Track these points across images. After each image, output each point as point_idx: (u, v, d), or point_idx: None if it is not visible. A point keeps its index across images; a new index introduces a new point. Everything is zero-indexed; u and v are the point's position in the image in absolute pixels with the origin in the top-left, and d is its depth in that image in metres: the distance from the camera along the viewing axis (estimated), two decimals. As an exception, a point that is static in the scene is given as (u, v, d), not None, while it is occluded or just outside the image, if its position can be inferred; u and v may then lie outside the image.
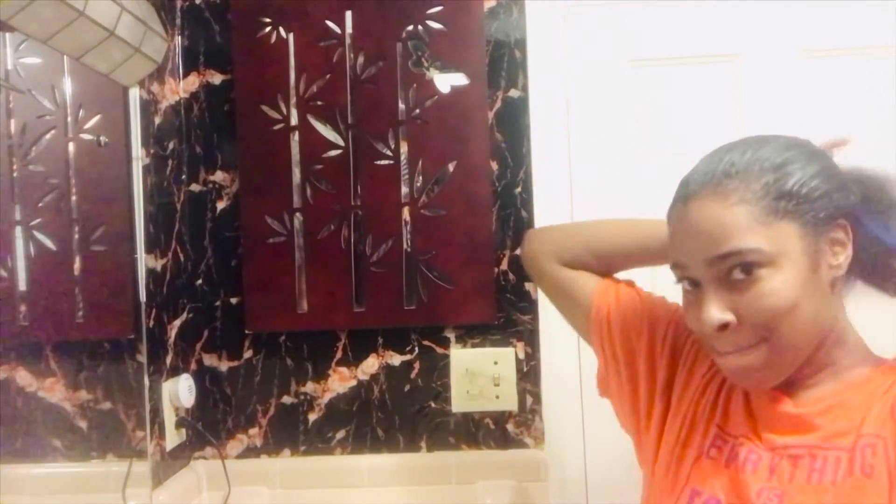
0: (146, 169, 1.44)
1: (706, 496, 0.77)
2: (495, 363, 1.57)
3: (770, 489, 0.74)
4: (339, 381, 1.60)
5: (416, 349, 1.59)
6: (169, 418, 1.48)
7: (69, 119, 1.21)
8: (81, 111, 1.24)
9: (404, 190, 1.58)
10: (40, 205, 1.13)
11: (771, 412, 0.78)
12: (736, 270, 0.72)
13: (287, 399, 1.61)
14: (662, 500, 0.82)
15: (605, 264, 1.01)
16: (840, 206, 0.74)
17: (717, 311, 0.73)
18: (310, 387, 1.61)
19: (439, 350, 1.59)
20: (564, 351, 1.53)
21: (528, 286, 1.57)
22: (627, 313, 0.95)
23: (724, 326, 0.73)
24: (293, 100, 1.59)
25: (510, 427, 1.58)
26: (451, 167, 1.57)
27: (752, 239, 0.71)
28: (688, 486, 0.80)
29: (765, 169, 0.73)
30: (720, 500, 0.76)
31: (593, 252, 1.00)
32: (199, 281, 1.62)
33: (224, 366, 1.62)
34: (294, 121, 1.59)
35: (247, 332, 1.61)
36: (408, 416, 1.59)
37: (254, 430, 1.61)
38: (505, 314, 1.58)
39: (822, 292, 0.74)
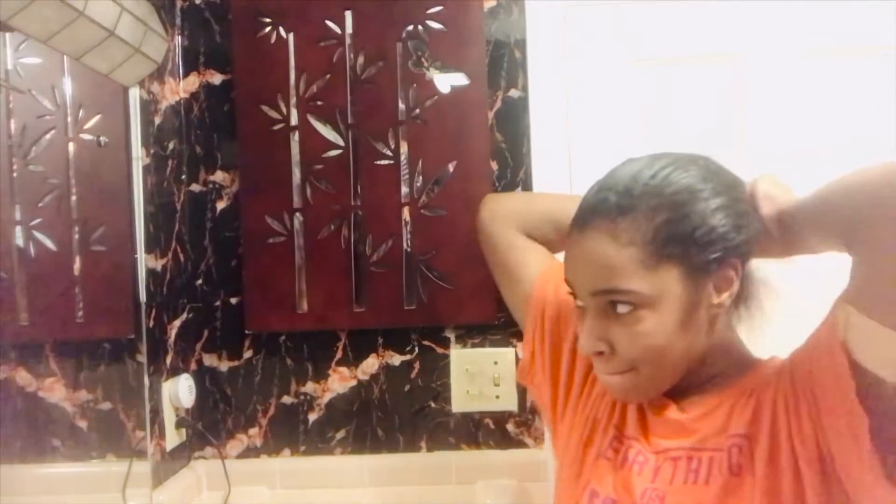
0: (146, 169, 1.44)
1: (603, 496, 0.81)
2: (495, 363, 1.57)
3: (653, 490, 0.78)
4: (339, 381, 1.60)
5: (416, 349, 1.59)
6: (169, 418, 1.48)
7: (69, 119, 1.21)
8: (81, 111, 1.24)
9: (404, 190, 1.58)
10: (40, 205, 1.13)
11: (658, 417, 0.82)
12: (616, 306, 0.75)
13: (287, 399, 1.61)
14: (568, 496, 0.87)
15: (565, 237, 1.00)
16: (734, 247, 0.76)
17: (592, 339, 0.77)
18: (310, 387, 1.61)
19: (439, 350, 1.59)
20: (564, 351, 1.53)
21: (528, 286, 1.57)
22: (561, 309, 0.96)
23: (599, 353, 0.78)
24: (293, 100, 1.58)
25: (510, 427, 1.58)
26: (451, 167, 1.56)
27: (632, 281, 0.74)
28: (588, 485, 0.84)
29: (664, 205, 0.74)
30: (615, 500, 0.80)
31: (555, 222, 0.98)
32: (199, 281, 1.62)
33: (224, 366, 1.62)
34: (294, 121, 1.58)
35: (247, 332, 1.61)
36: (408, 416, 1.59)
37: (254, 430, 1.61)
38: (505, 314, 1.57)
39: (697, 329, 0.77)
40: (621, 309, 0.75)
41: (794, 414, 0.71)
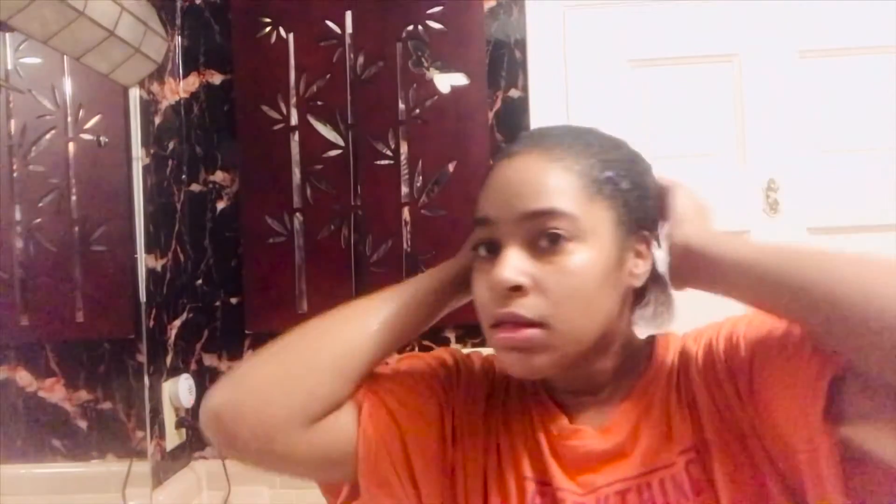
0: (146, 169, 1.44)
1: None
2: (495, 363, 1.57)
3: None
4: (339, 381, 1.60)
5: (416, 349, 1.59)
6: (169, 418, 1.48)
7: (69, 119, 1.21)
8: (81, 111, 1.24)
9: (404, 190, 1.58)
10: (40, 205, 1.13)
11: (578, 451, 0.68)
12: (543, 238, 0.64)
13: (287, 399, 1.61)
14: None
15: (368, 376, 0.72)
16: (652, 221, 0.70)
17: (512, 270, 0.63)
18: (310, 387, 1.60)
19: (439, 350, 1.58)
20: (564, 351, 1.53)
21: (528, 286, 1.57)
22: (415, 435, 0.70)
23: (517, 289, 0.63)
24: (293, 100, 1.58)
25: (510, 427, 1.58)
26: (451, 167, 1.56)
27: (570, 204, 0.64)
28: None
29: (595, 151, 0.68)
30: None
31: (352, 376, 0.69)
32: (199, 281, 1.62)
33: (224, 366, 1.62)
34: (294, 121, 1.58)
35: (247, 332, 1.61)
36: (408, 416, 1.59)
37: (254, 430, 1.61)
38: (505, 314, 1.57)
39: (619, 293, 0.67)
40: (545, 243, 0.63)
41: (723, 400, 0.64)
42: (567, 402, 0.72)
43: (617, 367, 0.71)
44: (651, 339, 0.74)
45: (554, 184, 0.65)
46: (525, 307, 0.63)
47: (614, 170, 0.67)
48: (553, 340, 0.64)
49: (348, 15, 1.58)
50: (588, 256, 0.64)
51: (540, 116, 1.56)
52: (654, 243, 0.70)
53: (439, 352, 0.78)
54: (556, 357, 0.65)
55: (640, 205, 0.68)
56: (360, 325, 0.74)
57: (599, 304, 0.65)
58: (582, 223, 0.64)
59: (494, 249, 0.67)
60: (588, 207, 0.65)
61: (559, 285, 0.63)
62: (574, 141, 0.68)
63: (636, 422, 0.68)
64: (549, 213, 0.64)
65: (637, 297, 0.72)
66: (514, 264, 0.64)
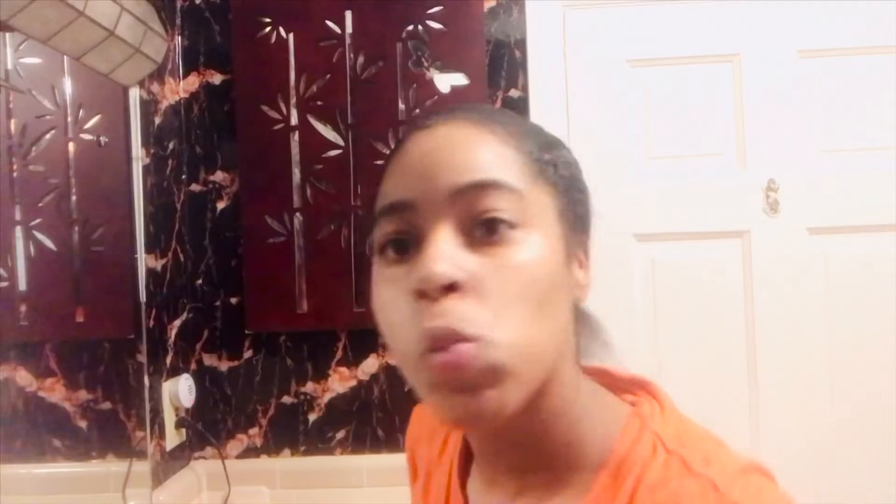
0: (146, 169, 1.44)
1: None
2: (495, 363, 1.56)
3: None
4: (339, 381, 1.60)
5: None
6: (169, 418, 1.48)
7: (69, 119, 1.21)
8: (81, 111, 1.24)
9: (404, 190, 1.57)
10: (40, 205, 1.13)
11: None
12: (479, 226, 0.48)
13: (287, 399, 1.61)
14: None
15: None
16: (586, 221, 0.56)
17: (447, 262, 0.46)
18: (310, 387, 1.61)
19: (439, 350, 1.58)
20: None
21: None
22: None
23: (451, 290, 0.46)
24: (293, 100, 1.58)
25: (510, 427, 1.58)
26: (451, 167, 1.56)
27: (515, 179, 0.49)
28: None
29: (528, 129, 0.55)
30: None
31: None
32: (199, 281, 1.62)
33: (224, 366, 1.62)
34: (294, 121, 1.58)
35: (247, 332, 1.61)
36: (408, 415, 1.59)
37: (254, 430, 1.61)
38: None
39: (569, 306, 0.52)
40: (480, 233, 0.48)
41: None
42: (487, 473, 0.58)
43: (560, 430, 0.53)
44: (616, 408, 0.55)
45: (492, 153, 0.50)
46: (466, 319, 0.46)
47: (552, 153, 0.54)
48: (514, 364, 0.46)
49: (348, 15, 1.58)
50: (538, 244, 0.49)
51: (540, 116, 1.56)
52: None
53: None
54: (524, 392, 0.47)
55: (579, 202, 0.55)
56: None
57: (554, 316, 0.50)
58: (528, 202, 0.49)
59: (406, 248, 0.50)
60: (533, 188, 0.50)
61: (511, 281, 0.47)
62: (503, 115, 0.56)
63: None
64: (492, 187, 0.48)
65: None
66: (449, 254, 0.47)
